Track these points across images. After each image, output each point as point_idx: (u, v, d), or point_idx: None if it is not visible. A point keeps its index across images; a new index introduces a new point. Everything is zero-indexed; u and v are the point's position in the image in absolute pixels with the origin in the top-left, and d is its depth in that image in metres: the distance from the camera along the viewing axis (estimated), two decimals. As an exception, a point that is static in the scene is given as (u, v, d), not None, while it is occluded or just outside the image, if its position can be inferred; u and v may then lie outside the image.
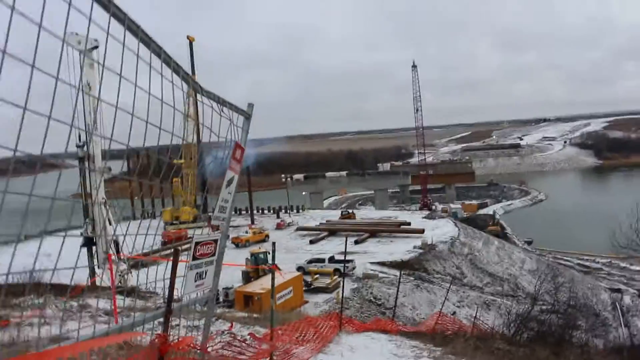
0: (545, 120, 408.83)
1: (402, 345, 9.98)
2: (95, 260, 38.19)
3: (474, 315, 24.36)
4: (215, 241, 5.91)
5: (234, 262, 51.04)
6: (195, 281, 5.55)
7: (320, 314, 37.14)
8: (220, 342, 8.61)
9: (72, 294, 11.48)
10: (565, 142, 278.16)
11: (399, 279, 18.26)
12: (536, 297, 19.42)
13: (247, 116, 6.32)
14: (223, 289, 42.17)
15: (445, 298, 24.62)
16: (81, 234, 38.36)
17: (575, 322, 17.24)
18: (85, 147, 37.19)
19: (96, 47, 36.81)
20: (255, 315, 15.18)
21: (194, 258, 5.50)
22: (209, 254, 5.73)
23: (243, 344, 7.43)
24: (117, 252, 37.80)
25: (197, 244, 5.51)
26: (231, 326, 9.84)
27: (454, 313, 47.17)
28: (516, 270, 66.22)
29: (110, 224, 37.16)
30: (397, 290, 15.90)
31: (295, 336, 8.92)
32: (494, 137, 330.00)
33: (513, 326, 16.46)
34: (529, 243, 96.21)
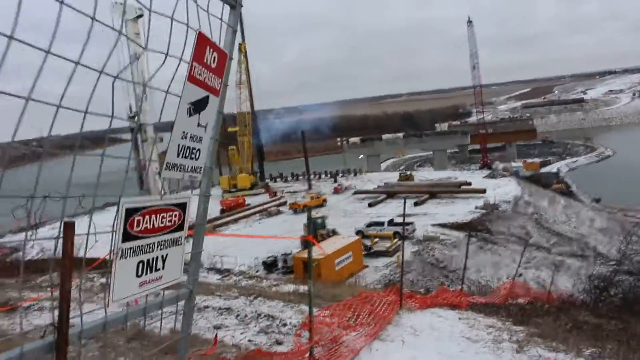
0: (610, 72, 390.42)
1: (476, 325, 8.58)
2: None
3: (549, 280, 22.70)
4: (182, 206, 3.83)
5: (292, 229, 50.61)
6: (139, 276, 3.43)
7: (379, 284, 36.08)
8: (256, 327, 7.58)
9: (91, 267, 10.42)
10: (634, 94, 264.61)
11: (468, 242, 16.70)
12: (620, 261, 17.62)
13: (233, 4, 4.23)
14: (282, 255, 41.74)
15: (519, 265, 22.93)
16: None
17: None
18: (137, 118, 36.82)
19: (141, 15, 36.14)
20: (302, 288, 13.87)
21: (127, 237, 3.32)
22: (168, 227, 3.66)
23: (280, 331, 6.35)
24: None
25: (131, 212, 3.32)
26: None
27: (520, 275, 45.37)
28: (585, 229, 63.39)
29: (165, 193, 36.64)
30: (466, 256, 14.37)
31: (346, 318, 7.54)
32: (556, 92, 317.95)
33: (594, 293, 14.88)
34: (597, 201, 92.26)
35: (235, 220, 66.36)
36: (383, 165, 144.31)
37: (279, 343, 7.02)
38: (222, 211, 71.73)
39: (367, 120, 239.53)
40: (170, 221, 3.69)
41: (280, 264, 41.48)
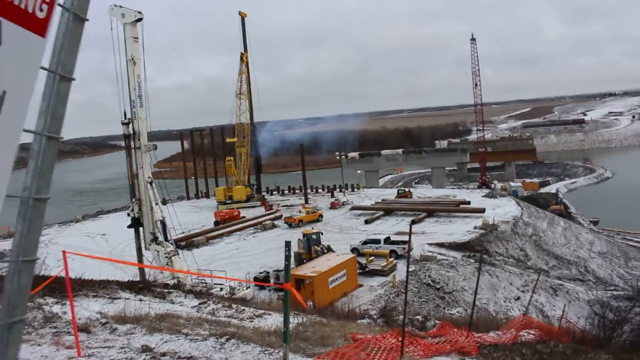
0: (611, 94, 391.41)
1: (491, 381, 7.44)
2: (142, 242, 37.11)
3: (548, 305, 21.59)
4: None
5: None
6: None
7: (373, 305, 34.83)
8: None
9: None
10: (633, 116, 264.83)
11: (479, 266, 15.51)
12: (638, 292, 16.53)
13: None
14: (274, 271, 40.61)
15: (530, 296, 21.80)
16: (128, 215, 37.24)
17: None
18: (131, 124, 35.96)
19: (140, 19, 35.25)
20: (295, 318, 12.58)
21: None
22: None
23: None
24: (164, 232, 36.47)
25: None
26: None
27: (518, 298, 44.31)
28: (584, 252, 62.33)
29: (156, 204, 35.62)
30: (477, 282, 13.12)
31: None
32: (556, 112, 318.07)
33: (608, 328, 13.80)
34: (595, 223, 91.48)
35: (229, 233, 65.24)
36: (381, 181, 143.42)
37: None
38: (216, 223, 70.61)
39: (367, 135, 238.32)
40: None
41: (272, 280, 40.34)
